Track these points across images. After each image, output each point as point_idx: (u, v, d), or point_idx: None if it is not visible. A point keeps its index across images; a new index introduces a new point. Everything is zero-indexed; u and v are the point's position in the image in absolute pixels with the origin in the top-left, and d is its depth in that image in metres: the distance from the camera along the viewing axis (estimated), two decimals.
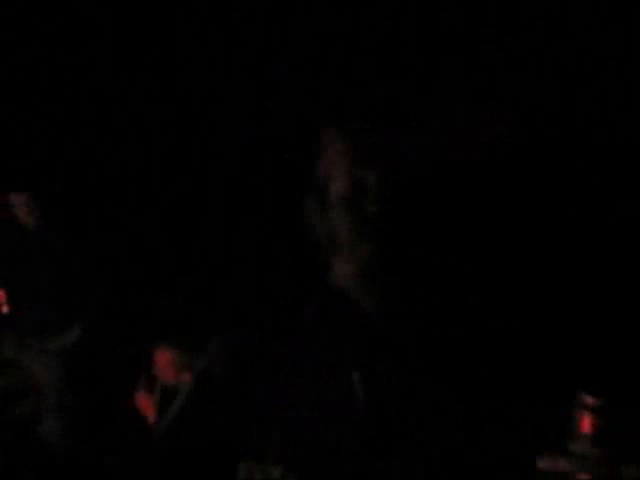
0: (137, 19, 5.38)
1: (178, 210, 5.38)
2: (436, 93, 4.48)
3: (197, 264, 5.28)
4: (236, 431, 1.46)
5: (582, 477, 1.44)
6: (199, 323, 4.36)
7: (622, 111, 4.45)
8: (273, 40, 5.24)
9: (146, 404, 4.02)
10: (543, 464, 1.47)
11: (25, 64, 5.40)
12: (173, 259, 5.39)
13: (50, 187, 5.29)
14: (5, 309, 5.13)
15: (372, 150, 1.49)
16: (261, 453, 1.56)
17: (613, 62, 4.49)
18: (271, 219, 4.19)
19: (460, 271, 1.56)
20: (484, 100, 4.44)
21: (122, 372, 4.43)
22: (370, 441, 1.49)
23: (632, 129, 4.43)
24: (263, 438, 1.46)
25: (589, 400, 1.43)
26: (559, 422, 1.48)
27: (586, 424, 1.44)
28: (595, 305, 3.41)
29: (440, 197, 1.50)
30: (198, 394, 1.60)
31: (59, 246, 5.20)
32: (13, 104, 5.41)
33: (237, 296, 4.71)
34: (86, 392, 5.04)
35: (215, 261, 5.21)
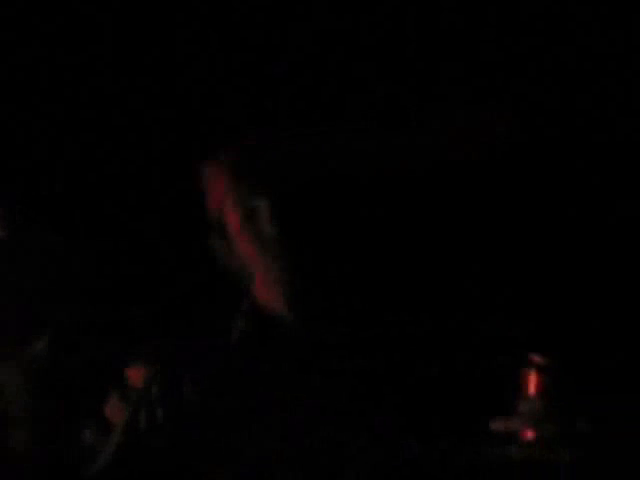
0: (128, 19, 5.38)
1: (154, 218, 5.36)
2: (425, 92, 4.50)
3: (173, 278, 5.26)
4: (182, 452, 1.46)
5: (527, 435, 1.48)
6: (173, 339, 4.34)
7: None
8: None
9: (118, 416, 4.02)
10: (495, 425, 1.50)
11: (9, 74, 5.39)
12: (149, 271, 5.36)
13: (16, 194, 5.27)
14: None
15: (259, 174, 1.48)
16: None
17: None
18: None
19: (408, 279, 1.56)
20: (481, 100, 4.45)
21: (93, 381, 4.41)
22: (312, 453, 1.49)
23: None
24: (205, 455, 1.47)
25: (536, 359, 1.47)
26: (512, 383, 1.51)
27: (533, 383, 1.48)
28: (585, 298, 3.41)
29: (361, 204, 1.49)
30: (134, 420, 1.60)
31: (28, 253, 5.16)
32: None
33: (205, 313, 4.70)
34: (54, 400, 5.02)
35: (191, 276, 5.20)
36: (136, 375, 4.11)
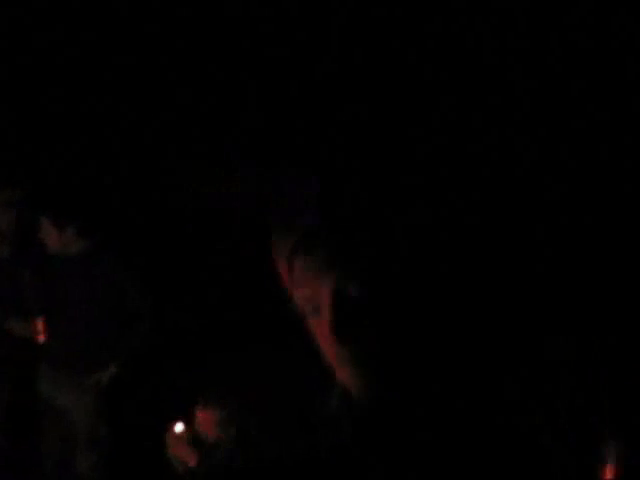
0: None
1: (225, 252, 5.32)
2: None
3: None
4: None
5: None
6: (240, 379, 4.32)
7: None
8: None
9: (189, 457, 4.07)
10: None
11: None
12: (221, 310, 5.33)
13: (99, 212, 5.23)
14: (43, 339, 5.03)
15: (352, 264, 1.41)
16: None
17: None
18: None
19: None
20: None
21: (156, 412, 4.40)
22: None
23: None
24: None
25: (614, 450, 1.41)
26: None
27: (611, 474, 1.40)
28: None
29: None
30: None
31: (102, 276, 5.09)
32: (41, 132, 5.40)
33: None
34: (118, 430, 5.00)
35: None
36: (205, 418, 4.19)
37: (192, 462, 4.01)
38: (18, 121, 5.44)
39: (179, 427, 4.07)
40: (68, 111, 5.47)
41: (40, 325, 5.05)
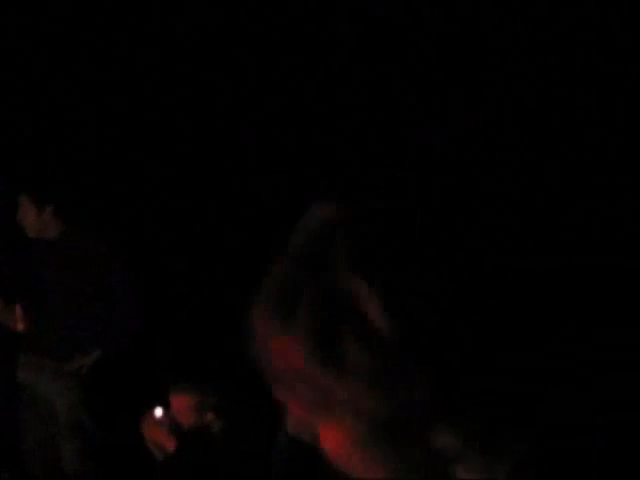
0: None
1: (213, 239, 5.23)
2: None
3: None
4: None
5: None
6: (212, 364, 4.22)
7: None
8: None
9: (168, 443, 4.02)
10: None
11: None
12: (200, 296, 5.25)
13: (77, 196, 5.06)
14: (22, 326, 4.88)
15: None
16: None
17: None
18: None
19: None
20: None
21: (139, 397, 4.32)
22: None
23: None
24: None
25: None
26: None
27: None
28: None
29: None
30: None
31: (83, 260, 4.91)
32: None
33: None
34: (102, 417, 4.90)
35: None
36: (179, 402, 4.10)
37: (170, 448, 3.96)
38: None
39: (158, 413, 4.02)
40: (51, 94, 5.41)
41: (19, 312, 4.88)
